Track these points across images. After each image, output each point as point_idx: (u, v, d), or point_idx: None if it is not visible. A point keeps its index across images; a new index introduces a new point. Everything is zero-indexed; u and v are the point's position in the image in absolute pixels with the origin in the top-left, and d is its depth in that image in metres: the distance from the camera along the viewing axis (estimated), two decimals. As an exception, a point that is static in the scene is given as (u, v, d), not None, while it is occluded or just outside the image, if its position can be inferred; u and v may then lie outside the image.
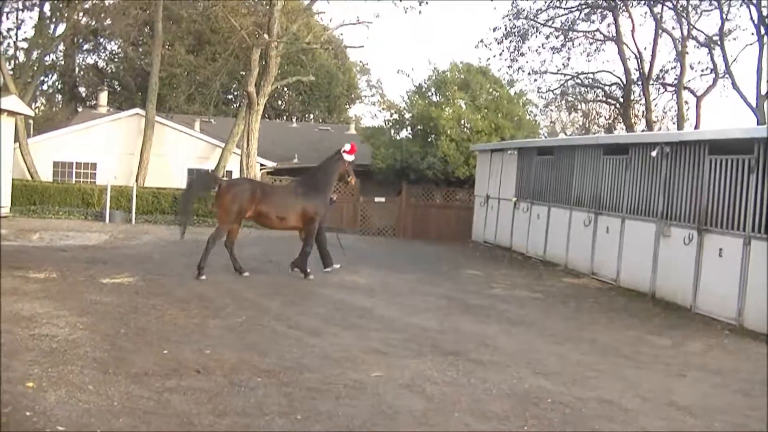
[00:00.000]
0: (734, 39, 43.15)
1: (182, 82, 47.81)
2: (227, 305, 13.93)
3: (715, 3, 40.89)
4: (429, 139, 35.61)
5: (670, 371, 11.39)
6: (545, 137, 44.22)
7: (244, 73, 42.04)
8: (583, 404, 9.08)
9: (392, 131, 38.24)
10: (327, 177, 18.46)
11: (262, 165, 39.00)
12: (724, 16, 40.79)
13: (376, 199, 33.67)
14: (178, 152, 39.53)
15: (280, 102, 65.69)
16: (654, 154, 18.90)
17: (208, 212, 29.19)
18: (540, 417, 8.45)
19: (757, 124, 35.41)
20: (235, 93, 60.31)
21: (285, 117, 65.35)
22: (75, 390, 8.17)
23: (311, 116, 66.87)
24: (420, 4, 38.44)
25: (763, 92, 39.38)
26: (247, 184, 18.51)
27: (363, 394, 8.79)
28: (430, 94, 37.68)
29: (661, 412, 9.03)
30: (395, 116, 38.26)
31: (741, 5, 40.58)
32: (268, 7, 38.09)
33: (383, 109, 39.39)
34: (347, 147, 18.73)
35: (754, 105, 39.35)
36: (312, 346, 11.13)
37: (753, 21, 39.13)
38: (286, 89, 61.24)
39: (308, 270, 17.93)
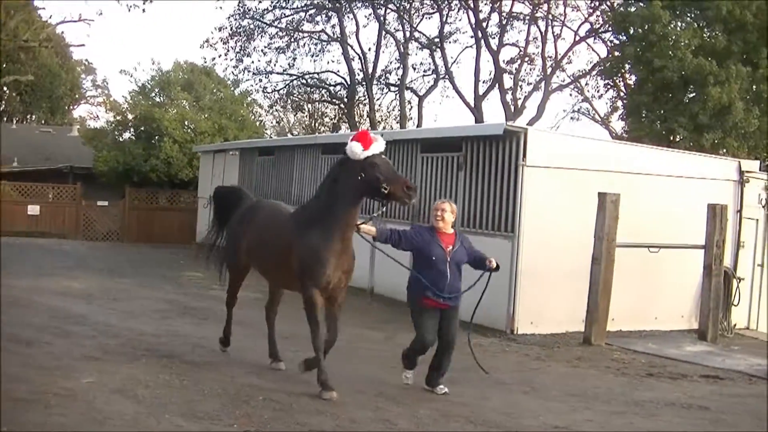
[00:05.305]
0: (454, 41, 45.08)
1: None
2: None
3: (436, 6, 42.53)
4: (153, 141, 35.14)
5: (383, 364, 11.84)
6: (272, 137, 44.51)
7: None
8: (294, 400, 9.32)
9: (115, 133, 37.45)
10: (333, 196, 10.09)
11: (-22, 170, 37.36)
12: (445, 20, 42.58)
13: (99, 203, 32.97)
14: None
15: (-2, 102, 63.06)
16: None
17: None
18: (251, 414, 8.62)
19: (476, 122, 37.11)
20: (-50, 93, 57.51)
21: (5, 118, 62.76)
22: None
23: (33, 117, 64.56)
24: (144, 3, 38.05)
25: (481, 92, 41.36)
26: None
27: (73, 401, 8.68)
28: (153, 94, 37.25)
29: (370, 403, 9.41)
30: (118, 117, 37.50)
31: (460, 9, 42.36)
32: (-17, 2, 36.58)
33: (108, 110, 38.54)
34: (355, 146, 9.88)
35: (472, 104, 41.26)
36: (23, 356, 10.83)
37: (471, 24, 41.07)
38: (5, 89, 58.84)
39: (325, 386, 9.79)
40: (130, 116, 36.86)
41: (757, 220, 19.54)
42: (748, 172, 19.04)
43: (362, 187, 9.73)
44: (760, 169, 20.43)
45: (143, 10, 32.55)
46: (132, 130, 37.14)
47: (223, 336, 12.06)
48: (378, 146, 9.81)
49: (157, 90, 37.26)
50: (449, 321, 10.32)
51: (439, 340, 10.34)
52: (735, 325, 18.42)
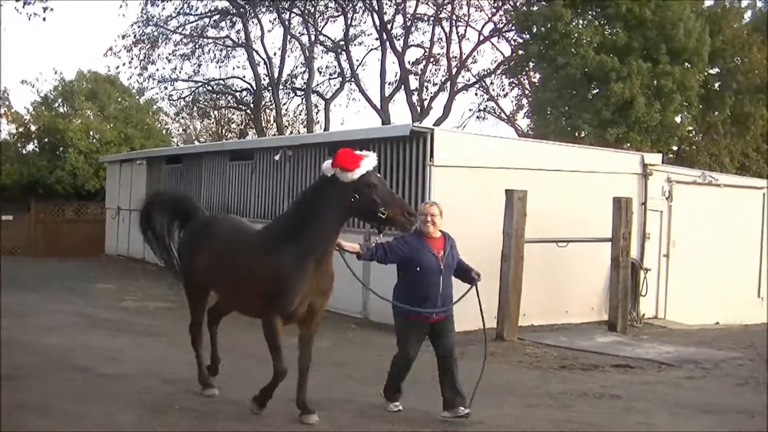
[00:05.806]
0: (360, 44, 45.07)
1: None
2: None
3: (341, 9, 42.58)
4: (57, 152, 34.60)
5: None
6: (179, 145, 44.15)
7: None
8: (212, 407, 9.33)
9: (18, 145, 36.79)
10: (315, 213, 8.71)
11: None
12: (349, 22, 42.59)
13: (3, 218, 32.31)
14: None
15: None
16: (277, 158, 19.46)
17: None
18: (168, 424, 8.60)
19: (382, 124, 37.26)
20: None
21: None
22: None
23: (-71, 132, 63.02)
24: (44, 11, 37.31)
25: (387, 94, 41.57)
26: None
27: (-15, 422, 8.54)
28: (57, 105, 36.73)
29: (288, 408, 9.36)
30: (20, 129, 36.85)
31: (365, 12, 42.47)
32: None
33: (9, 121, 37.86)
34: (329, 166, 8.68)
35: (379, 106, 41.46)
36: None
37: (376, 27, 41.25)
38: None
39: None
40: (33, 127, 36.30)
41: (661, 211, 19.94)
42: (651, 165, 19.45)
43: (354, 209, 8.68)
44: (662, 162, 20.91)
45: (44, 19, 31.75)
46: (35, 141, 36.58)
47: (200, 383, 10.22)
48: (369, 162, 8.52)
49: (60, 100, 36.75)
50: (447, 333, 9.46)
51: (438, 355, 9.53)
52: (643, 314, 18.81)
